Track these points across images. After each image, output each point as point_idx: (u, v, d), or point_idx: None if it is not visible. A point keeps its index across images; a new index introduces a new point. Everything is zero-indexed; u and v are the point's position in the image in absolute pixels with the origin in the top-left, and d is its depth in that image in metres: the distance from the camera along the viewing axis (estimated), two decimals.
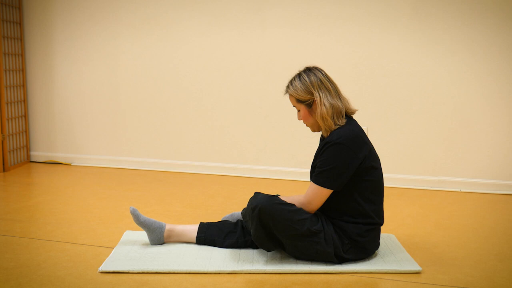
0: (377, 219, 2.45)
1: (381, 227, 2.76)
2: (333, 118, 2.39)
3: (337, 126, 2.40)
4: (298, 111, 2.50)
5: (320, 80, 2.42)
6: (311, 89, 2.42)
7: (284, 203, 2.35)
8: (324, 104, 2.39)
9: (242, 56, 4.31)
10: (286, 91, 2.50)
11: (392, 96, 4.05)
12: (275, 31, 4.21)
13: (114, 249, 2.56)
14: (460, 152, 3.99)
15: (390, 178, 4.01)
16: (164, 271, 2.33)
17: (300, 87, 2.43)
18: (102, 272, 2.31)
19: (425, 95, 4.00)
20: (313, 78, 2.42)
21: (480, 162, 3.96)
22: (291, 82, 2.49)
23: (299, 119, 2.52)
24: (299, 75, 2.47)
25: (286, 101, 4.20)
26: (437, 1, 3.89)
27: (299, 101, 2.46)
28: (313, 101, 2.42)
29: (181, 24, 4.40)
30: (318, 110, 2.40)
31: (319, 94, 2.40)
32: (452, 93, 3.96)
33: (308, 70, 2.47)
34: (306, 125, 2.53)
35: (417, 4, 3.92)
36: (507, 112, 3.89)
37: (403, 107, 4.05)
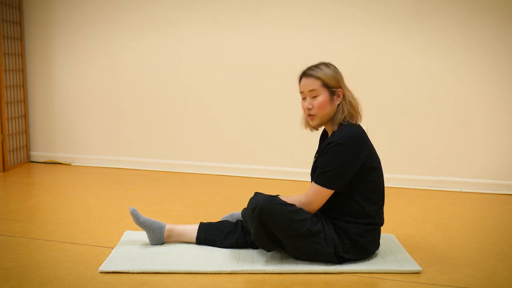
0: (378, 220, 2.45)
1: (381, 227, 2.76)
2: (358, 112, 2.42)
3: (346, 123, 2.39)
4: (314, 97, 2.40)
5: (342, 76, 2.44)
6: (339, 79, 2.41)
7: (284, 203, 2.35)
8: (352, 96, 2.42)
9: (242, 56, 4.31)
10: (309, 74, 2.40)
11: (392, 96, 4.05)
12: (275, 31, 4.21)
13: (114, 249, 2.56)
14: (460, 152, 3.99)
15: (390, 178, 4.01)
16: (164, 271, 2.33)
17: (330, 73, 2.39)
18: (102, 272, 2.31)
19: (425, 95, 4.00)
20: (338, 70, 2.44)
21: (480, 162, 3.96)
22: (316, 66, 2.42)
23: (307, 107, 2.41)
24: (323, 63, 2.43)
25: (286, 101, 4.20)
26: (437, 1, 3.89)
27: (325, 85, 2.39)
28: (337, 91, 2.40)
29: (181, 24, 4.40)
30: (348, 99, 2.40)
31: (344, 87, 2.42)
32: (452, 93, 3.96)
33: (330, 64, 2.46)
34: (314, 115, 2.42)
35: (417, 4, 3.92)
36: (507, 112, 3.89)
37: (403, 107, 4.05)
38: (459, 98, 3.95)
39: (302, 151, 4.20)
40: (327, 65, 2.44)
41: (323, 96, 2.39)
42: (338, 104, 2.41)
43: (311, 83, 2.39)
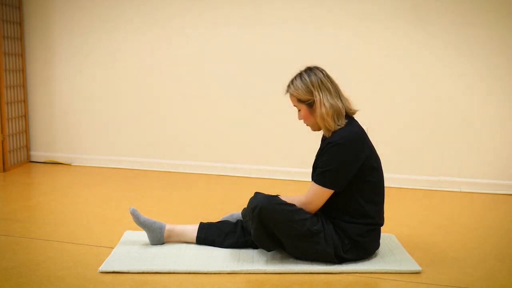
0: (378, 220, 2.45)
1: (381, 227, 2.75)
2: (333, 118, 2.39)
3: (338, 127, 2.39)
4: (299, 110, 2.49)
5: (321, 80, 2.42)
6: (311, 89, 2.42)
7: (284, 203, 2.35)
8: (324, 104, 2.39)
9: (242, 55, 4.31)
10: (287, 91, 2.50)
11: (392, 96, 4.05)
12: (277, 30, 4.21)
13: (114, 249, 2.56)
14: (460, 152, 3.99)
15: (390, 178, 4.01)
16: (164, 271, 2.33)
17: (301, 86, 2.43)
18: (102, 272, 2.31)
19: (425, 95, 4.00)
20: (313, 78, 2.42)
21: (480, 162, 3.96)
22: (292, 81, 2.49)
23: (299, 119, 2.52)
24: (300, 74, 2.47)
25: (287, 100, 4.19)
26: (437, 1, 3.89)
27: (299, 100, 2.46)
28: (314, 101, 2.42)
29: (181, 24, 4.40)
30: (318, 110, 2.40)
31: (319, 94, 2.40)
32: (452, 93, 3.96)
33: (309, 69, 2.47)
34: (307, 124, 2.53)
35: (417, 3, 3.92)
36: (507, 112, 3.89)
37: (403, 107, 4.05)
38: (459, 98, 3.95)
39: (303, 151, 4.20)
40: (301, 75, 2.45)
41: (303, 109, 2.47)
42: (320, 112, 2.41)
43: (291, 99, 2.51)
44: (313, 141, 4.06)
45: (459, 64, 3.91)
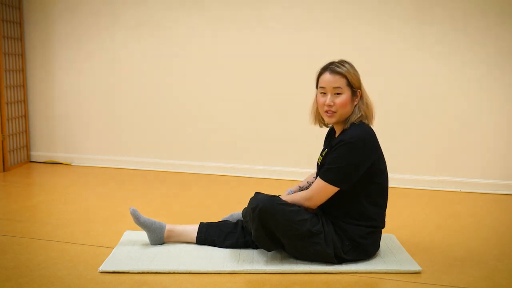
0: (379, 222, 2.45)
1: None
2: (372, 113, 2.42)
3: (357, 123, 2.38)
4: (337, 94, 2.35)
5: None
6: (359, 79, 2.41)
7: (285, 203, 2.35)
8: (369, 97, 2.41)
9: (242, 56, 4.30)
10: (337, 71, 2.36)
11: (392, 96, 4.05)
12: (276, 30, 4.21)
13: (114, 249, 2.56)
14: (460, 152, 3.99)
15: (391, 178, 3.95)
16: (164, 271, 2.33)
17: (354, 72, 2.39)
18: (102, 272, 2.31)
19: (425, 95, 4.00)
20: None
21: (480, 162, 3.96)
22: (341, 63, 2.40)
23: (327, 103, 2.36)
24: (345, 61, 2.42)
25: (286, 100, 4.20)
26: (437, 2, 3.88)
27: (349, 84, 2.37)
28: (359, 91, 2.40)
29: (180, 24, 4.40)
30: (364, 100, 2.40)
31: (363, 89, 2.43)
32: (452, 93, 3.96)
33: (351, 63, 2.44)
34: (335, 112, 2.37)
35: (418, 3, 3.92)
36: (507, 112, 3.89)
37: (403, 107, 4.04)
38: (459, 98, 3.95)
39: (303, 151, 4.19)
40: (349, 63, 2.42)
41: (346, 94, 2.37)
42: (355, 105, 2.41)
43: (337, 80, 2.36)
44: (313, 141, 4.06)
45: (460, 65, 3.91)
